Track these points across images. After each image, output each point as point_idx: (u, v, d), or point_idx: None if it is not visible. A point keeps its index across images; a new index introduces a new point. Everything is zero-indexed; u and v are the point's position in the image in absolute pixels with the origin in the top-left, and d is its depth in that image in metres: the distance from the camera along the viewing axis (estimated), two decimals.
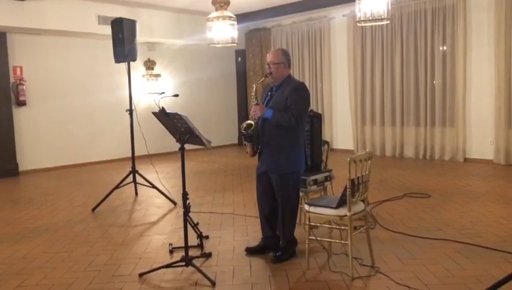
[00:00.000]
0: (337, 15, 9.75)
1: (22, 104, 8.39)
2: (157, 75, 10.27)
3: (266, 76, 3.86)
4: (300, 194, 4.06)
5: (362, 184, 3.48)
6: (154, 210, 5.67)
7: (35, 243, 4.50)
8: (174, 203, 5.84)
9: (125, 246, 4.36)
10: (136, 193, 6.36)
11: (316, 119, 4.31)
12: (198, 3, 8.87)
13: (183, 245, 3.66)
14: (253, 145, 3.83)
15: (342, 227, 3.69)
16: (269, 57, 3.82)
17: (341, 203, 3.46)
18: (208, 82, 11.24)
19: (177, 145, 3.65)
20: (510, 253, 3.76)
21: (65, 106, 8.97)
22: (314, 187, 4.17)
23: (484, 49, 7.87)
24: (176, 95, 4.59)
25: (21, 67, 8.42)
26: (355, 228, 3.64)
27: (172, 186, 6.72)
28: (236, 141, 11.68)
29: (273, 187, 3.83)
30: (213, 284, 3.38)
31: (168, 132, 3.84)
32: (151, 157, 6.91)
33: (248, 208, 5.54)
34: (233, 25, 6.51)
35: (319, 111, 9.64)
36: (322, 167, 4.42)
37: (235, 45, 6.77)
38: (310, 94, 3.97)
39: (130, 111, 5.95)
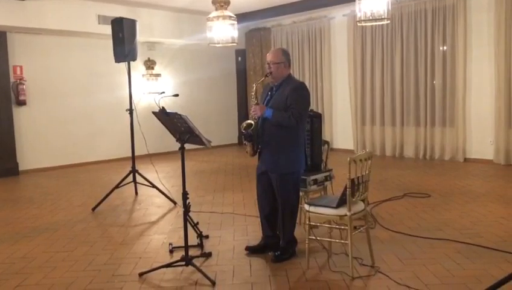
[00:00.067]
0: (337, 15, 9.75)
1: (22, 103, 8.39)
2: (157, 75, 10.27)
3: (266, 76, 3.86)
4: (300, 193, 4.06)
5: (362, 184, 3.48)
6: (154, 210, 5.67)
7: (35, 242, 4.50)
8: (174, 202, 5.84)
9: (125, 245, 4.36)
10: (136, 193, 6.37)
11: (316, 119, 4.31)
12: (199, 2, 8.87)
13: (183, 245, 3.66)
14: (253, 145, 3.83)
15: (342, 227, 3.69)
16: (269, 57, 3.82)
17: (341, 203, 3.46)
18: (208, 82, 11.24)
19: (177, 145, 3.65)
20: (510, 253, 3.76)
21: (65, 105, 8.97)
22: (314, 187, 4.17)
23: (484, 49, 7.87)
24: (176, 95, 4.58)
25: (21, 67, 8.42)
26: (355, 227, 3.64)
27: (172, 186, 6.72)
28: (236, 141, 11.68)
29: (273, 187, 3.83)
30: (213, 283, 3.38)
31: (168, 132, 3.84)
32: (151, 157, 6.91)
33: (248, 207, 5.54)
34: (233, 24, 6.51)
35: (319, 111, 9.63)
36: (322, 166, 4.42)
37: (235, 44, 6.76)
38: (310, 94, 3.97)
39: (130, 111, 5.95)
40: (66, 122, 9.02)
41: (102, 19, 8.55)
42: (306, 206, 3.64)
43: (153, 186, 6.03)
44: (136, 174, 6.08)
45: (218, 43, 6.58)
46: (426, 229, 4.49)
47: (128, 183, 5.98)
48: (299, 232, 4.09)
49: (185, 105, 9.67)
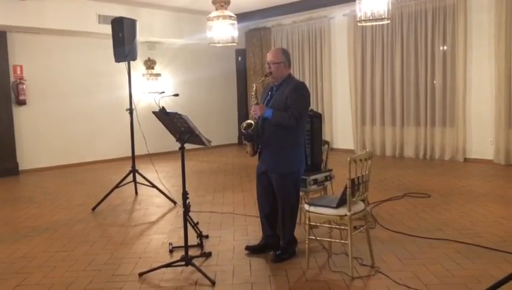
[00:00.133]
0: (338, 15, 9.75)
1: (22, 103, 8.39)
2: (158, 75, 10.27)
3: (266, 76, 3.86)
4: (301, 193, 4.06)
5: (362, 184, 3.48)
6: (154, 209, 5.67)
7: (35, 242, 4.50)
8: (174, 202, 5.84)
9: (125, 245, 4.36)
10: (136, 193, 6.37)
11: (316, 119, 4.31)
12: (199, 2, 8.87)
13: (183, 245, 3.67)
14: (253, 145, 3.83)
15: (342, 227, 3.69)
16: (269, 57, 3.82)
17: (341, 203, 3.46)
18: (208, 81, 11.23)
19: (177, 145, 3.65)
20: (510, 253, 3.76)
21: (65, 105, 8.97)
22: (314, 187, 4.17)
23: (484, 49, 7.87)
24: (176, 95, 4.58)
25: (21, 67, 8.42)
26: (355, 227, 3.64)
27: (172, 186, 6.72)
28: (236, 141, 11.68)
29: (273, 187, 3.82)
30: (213, 283, 3.38)
31: (168, 132, 3.84)
32: (151, 157, 6.91)
33: (248, 207, 5.54)
34: (233, 24, 6.51)
35: (319, 111, 9.64)
36: (322, 166, 4.42)
37: (235, 44, 6.76)
38: (310, 94, 3.97)
39: (130, 110, 5.96)
40: (66, 122, 9.02)
41: (102, 19, 8.55)
42: (306, 206, 3.64)
43: (153, 186, 6.03)
44: (136, 174, 6.08)
45: (218, 43, 6.58)
46: (426, 229, 4.49)
47: (128, 183, 5.98)
48: (299, 232, 4.09)
49: (185, 105, 9.67)
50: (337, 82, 10.05)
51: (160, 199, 6.01)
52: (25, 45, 8.46)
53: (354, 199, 3.43)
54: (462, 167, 7.77)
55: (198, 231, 4.16)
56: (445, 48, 8.32)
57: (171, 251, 4.10)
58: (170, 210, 5.62)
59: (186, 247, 3.62)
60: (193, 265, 3.56)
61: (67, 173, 8.41)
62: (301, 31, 10.46)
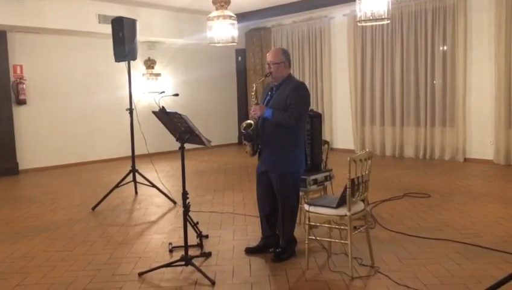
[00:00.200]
0: (338, 15, 9.75)
1: (22, 102, 8.39)
2: (158, 74, 10.27)
3: (266, 76, 3.86)
4: (300, 193, 4.06)
5: (362, 184, 3.48)
6: (154, 209, 5.67)
7: (35, 241, 4.50)
8: (174, 202, 5.84)
9: (125, 245, 4.36)
10: (136, 192, 6.37)
11: (316, 119, 4.31)
12: (199, 2, 8.87)
13: (182, 244, 3.67)
14: (253, 145, 3.83)
15: (342, 227, 3.69)
16: (269, 57, 3.82)
17: (341, 203, 3.46)
18: (208, 81, 11.23)
19: (177, 145, 3.65)
20: (509, 253, 3.76)
21: (65, 104, 8.97)
22: (314, 187, 4.17)
23: (484, 49, 7.87)
24: (176, 95, 4.58)
25: (21, 66, 8.42)
26: (355, 227, 3.64)
27: (172, 186, 6.72)
28: (236, 141, 11.68)
29: (273, 187, 3.83)
30: (213, 283, 3.38)
31: (168, 131, 3.85)
32: (151, 157, 6.90)
33: (248, 207, 5.54)
34: (233, 24, 6.51)
35: (319, 111, 9.64)
36: (322, 166, 4.42)
37: (235, 44, 6.76)
38: (310, 94, 3.97)
39: (130, 110, 5.95)
40: (66, 122, 9.02)
41: (102, 18, 8.55)
42: (306, 206, 3.64)
43: (153, 185, 6.03)
44: (136, 174, 6.08)
45: (219, 43, 6.57)
46: (426, 229, 4.49)
47: (128, 182, 5.98)
48: (298, 232, 4.09)
49: (185, 104, 9.67)
50: (337, 82, 10.05)
51: (160, 199, 6.01)
52: (25, 44, 8.46)
53: (353, 199, 3.43)
54: (462, 167, 7.77)
55: (198, 231, 4.16)
56: (445, 48, 8.32)
57: (170, 251, 4.10)
58: (170, 210, 5.62)
59: (186, 247, 3.62)
60: (193, 265, 3.56)
61: (67, 173, 8.41)
62: (301, 31, 10.46)
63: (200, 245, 4.13)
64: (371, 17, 5.15)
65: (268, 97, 3.89)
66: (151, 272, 3.59)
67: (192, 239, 4.04)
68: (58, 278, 3.60)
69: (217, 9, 6.42)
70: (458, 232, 4.36)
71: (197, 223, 4.22)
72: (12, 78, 8.31)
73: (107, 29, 6.32)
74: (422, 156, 8.71)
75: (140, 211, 5.61)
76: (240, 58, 11.85)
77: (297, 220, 4.18)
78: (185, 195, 3.65)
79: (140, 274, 3.58)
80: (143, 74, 10.15)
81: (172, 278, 3.52)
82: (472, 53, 8.02)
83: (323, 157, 4.49)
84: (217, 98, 11.51)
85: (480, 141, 8.07)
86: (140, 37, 6.39)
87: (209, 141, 3.64)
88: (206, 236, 4.39)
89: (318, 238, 3.81)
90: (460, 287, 3.21)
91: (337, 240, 3.82)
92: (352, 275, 3.41)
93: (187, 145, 3.67)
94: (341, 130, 10.05)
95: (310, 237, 3.64)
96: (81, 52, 9.14)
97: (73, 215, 5.48)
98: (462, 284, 3.25)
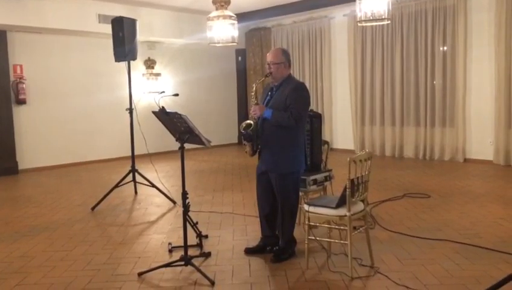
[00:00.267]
0: (338, 15, 9.75)
1: (21, 102, 8.39)
2: (157, 74, 10.27)
3: (266, 76, 3.86)
4: (300, 194, 4.06)
5: (362, 184, 3.48)
6: (154, 209, 5.67)
7: (35, 241, 4.50)
8: (174, 202, 5.84)
9: (125, 245, 4.35)
10: (136, 192, 6.36)
11: (316, 119, 4.31)
12: (199, 2, 8.87)
13: (182, 244, 3.66)
14: (253, 145, 3.83)
15: (342, 227, 3.69)
16: (269, 57, 3.82)
17: (340, 203, 3.46)
18: (208, 81, 11.23)
19: (177, 145, 3.65)
20: (509, 254, 3.76)
21: (65, 104, 8.97)
22: (313, 187, 4.17)
23: (484, 49, 7.87)
24: (176, 95, 4.58)
25: (21, 66, 8.42)
26: (354, 228, 3.64)
27: (172, 186, 6.72)
28: (236, 141, 11.68)
29: (273, 187, 3.82)
30: (212, 283, 3.38)
31: (167, 131, 3.84)
32: (150, 157, 6.90)
33: (247, 207, 5.54)
34: (233, 24, 6.51)
35: (319, 111, 9.63)
36: (322, 166, 4.42)
37: (235, 44, 6.77)
38: (310, 94, 3.97)
39: (130, 110, 5.95)
40: (66, 121, 9.01)
41: (102, 18, 8.55)
42: (305, 207, 3.64)
43: (153, 185, 6.03)
44: (136, 174, 6.08)
45: (219, 43, 6.58)
46: (425, 229, 4.49)
47: (127, 182, 5.98)
48: (298, 232, 4.09)
49: (184, 105, 9.67)
50: (337, 82, 10.05)
51: (160, 199, 6.01)
52: (25, 44, 8.46)
53: (353, 200, 3.43)
54: (462, 168, 7.77)
55: (197, 231, 4.16)
56: (445, 48, 8.32)
57: (170, 251, 4.10)
58: (170, 210, 5.62)
59: (186, 247, 3.61)
60: (192, 265, 3.56)
61: (66, 173, 8.41)
62: (301, 31, 10.46)
63: (199, 245, 4.13)
64: (371, 18, 5.16)
65: (268, 97, 3.89)
66: (150, 272, 3.59)
67: (192, 239, 4.04)
68: (57, 278, 3.60)
69: (217, 9, 6.42)
70: (458, 233, 4.36)
71: (197, 223, 4.22)
72: (12, 78, 8.30)
73: (107, 29, 6.32)
74: (422, 157, 8.71)
75: (140, 211, 5.61)
76: (239, 58, 11.85)
77: (297, 221, 4.18)
78: (184, 195, 3.64)
79: (140, 274, 3.58)
80: (143, 74, 10.15)
81: (171, 278, 3.52)
82: (472, 53, 8.02)
83: (323, 157, 4.49)
84: (217, 98, 11.51)
85: (480, 141, 8.07)
86: (140, 37, 6.39)
87: (209, 141, 3.64)
88: (206, 236, 4.39)
89: (318, 238, 3.81)
90: (459, 288, 3.20)
91: (336, 241, 3.82)
92: (351, 275, 3.41)
93: (187, 145, 3.67)
94: (341, 130, 10.05)
95: (309, 237, 3.64)
96: (81, 52, 9.14)
97: (72, 215, 5.48)
98: (462, 284, 3.25)
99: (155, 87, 9.93)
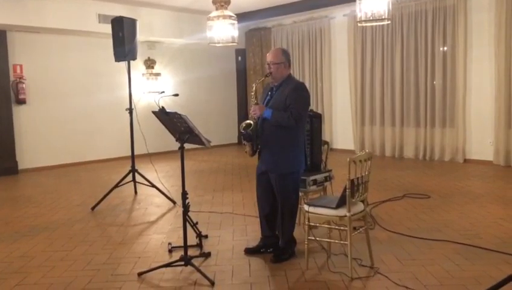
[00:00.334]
0: (338, 15, 9.75)
1: (21, 102, 8.38)
2: (157, 74, 10.26)
3: (266, 76, 3.86)
4: (300, 194, 4.06)
5: (362, 184, 3.48)
6: (154, 209, 5.67)
7: (34, 241, 4.50)
8: (174, 202, 5.84)
9: (124, 245, 4.35)
10: (136, 192, 6.36)
11: (316, 119, 4.31)
12: (199, 2, 8.87)
13: (182, 244, 3.66)
14: (253, 145, 3.83)
15: (342, 227, 3.69)
16: (269, 57, 3.82)
17: (340, 203, 3.46)
18: (208, 81, 11.23)
19: (177, 145, 3.65)
20: (509, 254, 3.76)
21: (65, 104, 8.96)
22: (313, 187, 4.17)
23: (484, 49, 7.87)
24: (176, 95, 4.58)
25: (21, 66, 8.41)
26: (354, 228, 3.63)
27: (172, 186, 6.71)
28: (236, 141, 11.68)
29: (273, 187, 3.82)
30: (212, 283, 3.38)
31: (167, 131, 3.84)
32: (150, 157, 6.91)
33: (247, 207, 5.53)
34: (233, 24, 6.51)
35: (319, 111, 9.63)
36: (322, 167, 4.42)
37: (235, 44, 6.76)
38: (310, 94, 3.97)
39: (130, 110, 5.95)
40: (66, 121, 9.01)
41: (102, 18, 8.55)
42: (305, 207, 3.63)
43: (153, 185, 6.03)
44: (136, 174, 6.07)
45: (219, 43, 6.57)
46: (425, 230, 4.49)
47: (127, 182, 5.98)
48: (298, 232, 4.09)
49: (184, 104, 9.67)
50: (337, 82, 10.05)
51: (160, 199, 6.01)
52: (25, 44, 8.46)
53: (353, 200, 3.43)
54: (462, 168, 7.77)
55: (197, 231, 4.16)
56: (445, 48, 8.32)
57: (170, 251, 4.10)
58: (169, 210, 5.62)
59: (186, 247, 3.61)
60: (192, 265, 3.56)
61: (66, 173, 8.40)
62: (301, 31, 10.46)
63: (199, 245, 4.13)
64: (371, 18, 5.15)
65: (268, 97, 3.88)
66: (150, 272, 3.58)
67: (192, 239, 4.04)
68: (57, 278, 3.60)
69: (217, 9, 6.42)
70: (458, 233, 4.36)
71: (197, 223, 4.22)
72: (12, 78, 8.30)
73: (107, 29, 6.31)
74: (422, 157, 8.71)
75: (140, 211, 5.61)
76: (239, 58, 11.85)
77: (297, 221, 4.18)
78: (184, 195, 3.64)
79: (140, 274, 3.58)
80: (143, 74, 10.15)
81: (171, 278, 3.52)
82: (472, 53, 8.02)
83: (323, 157, 4.49)
84: (217, 98, 11.50)
85: (480, 141, 8.07)
86: (140, 36, 6.40)
87: (209, 141, 3.64)
88: (206, 236, 4.39)
89: (318, 238, 3.81)
90: (459, 288, 3.20)
91: (336, 241, 3.82)
92: (351, 275, 3.41)
93: (187, 145, 3.67)
94: (341, 130, 10.05)
95: (309, 237, 3.64)
96: (81, 52, 9.13)
97: (72, 215, 5.47)
98: (462, 285, 3.25)
99: (155, 87, 9.93)
